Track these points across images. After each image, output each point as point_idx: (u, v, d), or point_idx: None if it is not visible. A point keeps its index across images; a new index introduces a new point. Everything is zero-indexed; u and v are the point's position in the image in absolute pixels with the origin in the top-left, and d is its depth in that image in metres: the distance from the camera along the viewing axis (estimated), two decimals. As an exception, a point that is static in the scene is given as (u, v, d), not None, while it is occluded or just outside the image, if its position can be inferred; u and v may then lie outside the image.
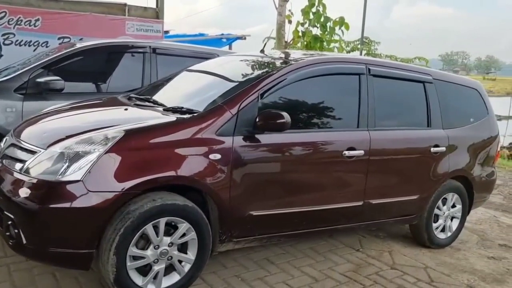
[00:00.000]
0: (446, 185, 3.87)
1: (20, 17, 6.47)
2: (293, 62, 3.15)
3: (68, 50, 4.33)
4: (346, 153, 3.14)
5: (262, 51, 3.69)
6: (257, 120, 2.73)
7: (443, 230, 4.02)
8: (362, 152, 3.22)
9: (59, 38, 6.82)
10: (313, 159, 3.07)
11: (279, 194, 2.94)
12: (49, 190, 2.31)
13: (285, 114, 2.70)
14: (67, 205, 2.28)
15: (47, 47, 6.61)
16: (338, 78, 3.34)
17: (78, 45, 4.49)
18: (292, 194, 3.01)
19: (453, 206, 4.05)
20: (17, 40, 6.51)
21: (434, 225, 3.93)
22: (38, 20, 6.61)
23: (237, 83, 3.13)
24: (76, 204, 2.28)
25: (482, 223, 5.03)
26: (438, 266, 3.59)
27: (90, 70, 4.54)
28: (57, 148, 2.40)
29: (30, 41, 6.58)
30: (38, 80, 3.98)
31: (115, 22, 7.39)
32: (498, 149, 4.48)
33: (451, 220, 4.09)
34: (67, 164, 2.32)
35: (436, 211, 3.90)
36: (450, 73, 4.77)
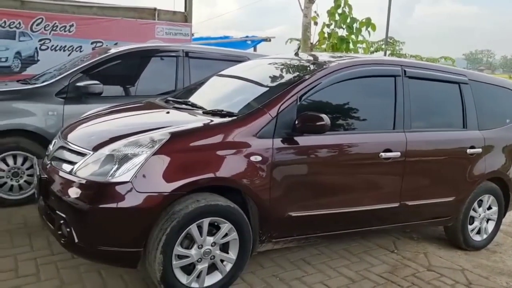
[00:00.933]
0: (482, 186, 3.84)
1: (55, 23, 6.68)
2: (328, 65, 3.18)
3: (105, 55, 4.45)
4: (383, 154, 3.16)
5: (296, 54, 3.74)
6: (296, 122, 2.78)
7: (478, 232, 3.98)
8: (398, 153, 3.22)
9: (92, 43, 7.01)
10: (350, 160, 3.09)
11: (317, 195, 2.98)
12: (100, 190, 2.41)
13: (324, 116, 2.74)
14: (116, 205, 2.37)
15: (81, 51, 6.81)
16: (374, 80, 3.35)
17: (114, 50, 4.61)
18: (329, 195, 3.04)
19: (489, 208, 4.01)
20: (52, 45, 6.71)
21: (470, 227, 3.89)
22: (72, 25, 6.82)
23: (273, 86, 3.19)
24: (125, 204, 2.37)
25: (516, 226, 4.94)
26: (475, 268, 3.56)
27: (125, 74, 4.67)
28: (106, 151, 2.50)
29: (65, 46, 6.78)
30: (78, 84, 4.11)
31: (146, 26, 7.55)
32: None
33: (487, 222, 4.04)
34: (116, 165, 2.41)
35: (471, 213, 3.86)
36: (484, 73, 4.71)
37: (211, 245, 2.60)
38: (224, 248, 2.69)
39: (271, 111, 2.79)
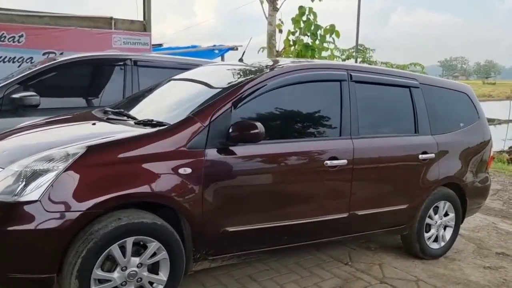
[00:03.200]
0: (437, 193, 3.73)
1: (3, 33, 6.40)
2: (268, 70, 3.04)
3: (45, 64, 4.23)
4: (328, 162, 3.01)
5: (240, 60, 3.59)
6: (230, 131, 2.61)
7: (436, 240, 3.86)
8: (345, 161, 3.08)
9: (44, 54, 6.74)
10: (293, 170, 2.93)
11: (256, 208, 2.80)
12: (5, 211, 2.18)
13: (258, 124, 2.57)
14: (24, 227, 2.15)
15: (31, 63, 6.54)
16: (318, 85, 3.22)
17: (58, 59, 4.39)
18: (270, 207, 2.86)
19: (446, 214, 3.90)
20: (0, 57, 6.43)
21: (426, 235, 3.77)
22: (22, 36, 6.55)
23: (210, 94, 3.02)
24: (34, 225, 2.15)
25: (480, 231, 4.86)
26: (430, 279, 3.43)
27: (68, 85, 4.44)
28: (15, 167, 2.28)
29: (14, 57, 6.50)
30: (13, 96, 3.87)
31: (102, 36, 7.32)
32: (491, 154, 4.32)
33: (444, 229, 3.93)
34: (23, 183, 2.19)
35: (427, 220, 3.74)
36: (438, 77, 4.65)
37: (137, 266, 2.39)
38: (154, 269, 2.48)
39: (202, 120, 2.61)
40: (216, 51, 11.02)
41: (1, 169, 2.33)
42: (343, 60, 12.94)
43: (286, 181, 2.91)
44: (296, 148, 2.94)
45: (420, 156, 3.55)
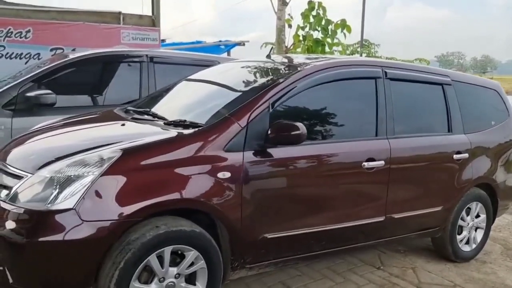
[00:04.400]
0: (469, 194, 3.60)
1: (10, 29, 6.20)
2: (303, 67, 2.88)
3: (60, 61, 4.06)
4: (366, 164, 2.87)
5: (268, 56, 3.43)
6: (269, 132, 2.46)
7: (467, 242, 3.75)
8: (382, 162, 2.94)
9: (51, 50, 6.54)
10: (331, 173, 2.79)
11: (295, 213, 2.66)
12: (37, 221, 2.03)
13: (300, 125, 2.43)
14: (58, 237, 2.00)
15: (39, 59, 6.34)
16: (352, 83, 3.07)
17: (71, 56, 4.22)
18: (309, 212, 2.73)
19: (477, 216, 3.78)
20: (7, 53, 6.22)
21: (458, 237, 3.65)
22: (29, 31, 6.35)
23: (243, 92, 2.87)
24: (69, 236, 2.00)
25: (501, 230, 4.75)
26: (467, 283, 3.31)
27: (83, 82, 4.28)
28: (46, 172, 2.12)
29: (21, 54, 6.30)
30: (28, 94, 3.70)
31: (110, 31, 7.13)
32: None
33: (475, 231, 3.81)
34: (57, 190, 2.04)
35: (460, 222, 3.62)
36: (468, 74, 4.52)
37: (175, 277, 2.25)
38: (191, 279, 2.34)
39: (240, 121, 2.46)
40: (222, 47, 10.84)
41: (30, 175, 2.17)
42: (348, 55, 12.81)
43: (325, 184, 2.77)
44: (333, 150, 2.80)
45: (455, 156, 3.42)
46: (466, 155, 3.49)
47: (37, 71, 3.95)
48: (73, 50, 5.76)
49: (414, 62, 13.21)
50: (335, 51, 8.64)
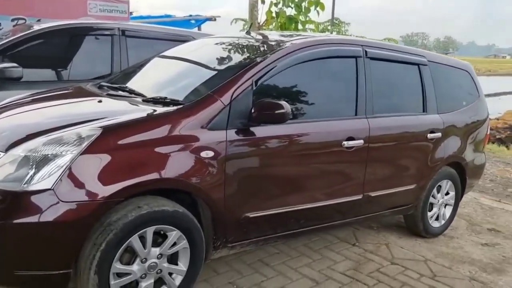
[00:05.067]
0: (441, 172, 3.71)
1: (-35, -3, 5.78)
2: (286, 45, 2.83)
3: (25, 33, 3.82)
4: (346, 143, 2.89)
5: (248, 32, 3.36)
6: (253, 111, 2.42)
7: (437, 218, 3.88)
8: (361, 142, 2.97)
9: (13, 20, 6.14)
10: (312, 152, 2.79)
11: (278, 192, 2.66)
12: (13, 202, 1.93)
13: (284, 103, 2.40)
14: (35, 219, 1.90)
15: (-1, 29, 5.97)
16: (334, 61, 3.05)
17: (36, 27, 3.98)
18: (290, 191, 2.73)
19: (447, 193, 3.91)
20: (-36, 23, 5.82)
21: (429, 214, 3.77)
22: (-12, -1, 5.94)
23: (224, 69, 2.81)
24: (47, 217, 1.91)
25: (465, 207, 4.96)
26: (437, 258, 3.45)
27: (51, 56, 4.06)
28: (20, 151, 2.01)
29: (-21, 24, 5.91)
30: (-9, 67, 3.47)
31: (76, 1, 6.76)
32: (488, 132, 4.36)
33: (445, 207, 3.95)
34: (33, 170, 1.93)
35: (431, 199, 3.74)
36: (442, 54, 4.60)
37: (157, 257, 2.21)
38: (173, 259, 2.31)
39: (223, 98, 2.40)
40: (193, 22, 10.55)
41: (2, 154, 2.05)
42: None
43: (306, 163, 2.78)
44: (315, 129, 2.79)
45: (429, 136, 3.50)
46: (439, 134, 3.58)
47: (1, 43, 3.70)
48: (38, 21, 5.44)
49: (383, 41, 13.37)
50: (308, 29, 8.60)
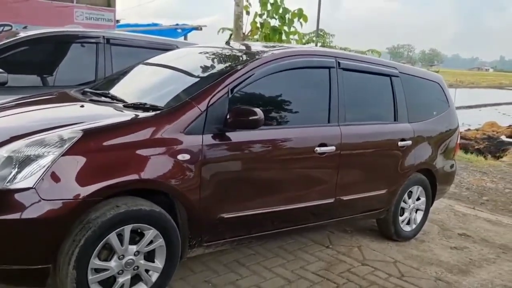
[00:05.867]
0: (412, 178, 3.89)
1: (-48, 3, 5.85)
2: (262, 55, 3.00)
3: (11, 39, 3.92)
4: (318, 149, 3.04)
5: (227, 42, 3.51)
6: (228, 117, 2.56)
7: (408, 222, 4.05)
8: (333, 148, 3.13)
9: (-1, 26, 6.25)
10: (285, 157, 2.94)
11: (251, 194, 2.80)
12: (-6, 199, 2.03)
13: (258, 110, 2.55)
14: (17, 216, 2.02)
15: (-15, 35, 6.02)
16: (307, 72, 3.23)
17: (22, 34, 4.09)
18: (264, 194, 2.87)
19: (418, 198, 4.09)
20: (-50, 29, 5.88)
21: (401, 218, 3.94)
22: (-27, 6, 6.01)
23: (203, 77, 2.95)
24: (28, 214, 2.02)
25: (440, 213, 5.14)
26: (406, 260, 3.61)
27: (37, 62, 4.16)
28: (3, 152, 2.12)
29: (-34, 29, 5.98)
30: (-23, 72, 3.57)
31: (63, 9, 6.86)
32: (458, 141, 4.56)
33: (416, 212, 4.12)
34: (16, 169, 2.05)
35: (402, 204, 3.91)
36: (414, 67, 4.81)
37: (134, 255, 2.33)
38: (150, 256, 2.43)
39: (200, 105, 2.55)
40: (179, 31, 10.71)
41: (-14, 154, 2.15)
42: (304, 44, 13.04)
43: (279, 167, 2.92)
44: (288, 135, 2.95)
45: (399, 143, 3.68)
46: (409, 142, 3.76)
47: (-15, 49, 3.80)
48: (25, 27, 5.54)
49: (366, 53, 13.67)
50: (292, 39, 8.81)
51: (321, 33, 15.06)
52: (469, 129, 14.69)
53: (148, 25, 10.60)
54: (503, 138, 12.49)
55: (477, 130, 14.34)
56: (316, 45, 13.94)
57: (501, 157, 10.57)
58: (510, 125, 15.32)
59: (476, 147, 11.90)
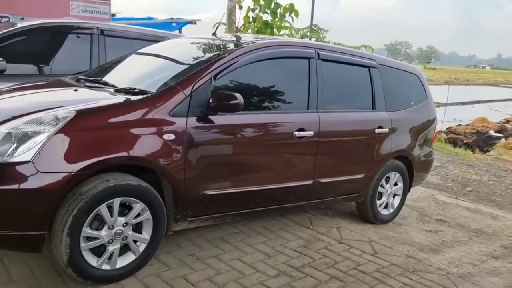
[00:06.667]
0: (389, 164, 4.11)
1: (-48, -6, 6.01)
2: (244, 45, 3.21)
3: (9, 29, 4.11)
4: (297, 133, 3.26)
5: (214, 34, 3.72)
6: (211, 101, 2.78)
7: (386, 206, 4.28)
8: (311, 133, 3.35)
9: (-4, 18, 6.40)
10: (265, 139, 3.16)
11: (232, 173, 3.01)
12: (-3, 171, 2.24)
13: (238, 95, 2.76)
14: (16, 186, 2.23)
15: (-17, 26, 6.19)
16: (288, 61, 3.44)
17: (20, 25, 4.28)
18: (244, 173, 3.09)
19: (395, 184, 4.31)
20: (-52, 20, 6.04)
21: (378, 202, 4.16)
22: (-27, -3, 6.19)
23: (189, 65, 3.16)
24: (26, 185, 2.24)
25: (421, 201, 5.37)
26: (381, 240, 3.84)
27: (34, 51, 4.35)
28: (3, 129, 2.33)
29: (-35, 20, 6.13)
30: (-24, 60, 3.76)
31: (59, 2, 7.04)
32: (436, 131, 4.79)
33: (393, 197, 4.35)
34: (15, 144, 2.26)
35: (380, 189, 4.13)
36: (392, 59, 5.02)
37: (123, 226, 2.55)
38: (137, 228, 2.65)
39: (185, 90, 2.76)
40: (174, 24, 10.89)
41: (-13, 131, 2.36)
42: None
43: (259, 149, 3.14)
44: (268, 119, 3.17)
45: (376, 131, 3.90)
46: (386, 130, 3.98)
47: (-15, 38, 3.99)
48: (22, 19, 5.70)
49: (360, 48, 13.87)
50: (284, 34, 9.01)
51: (315, 28, 15.27)
52: (460, 125, 14.96)
53: (143, 18, 10.78)
54: (492, 133, 12.74)
55: (467, 125, 14.60)
56: (310, 40, 14.15)
57: (488, 151, 10.83)
58: (499, 121, 15.60)
59: (465, 141, 12.16)
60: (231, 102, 2.76)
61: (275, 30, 8.49)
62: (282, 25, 8.57)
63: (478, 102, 27.54)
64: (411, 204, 5.07)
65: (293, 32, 9.52)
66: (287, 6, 8.38)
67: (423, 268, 3.38)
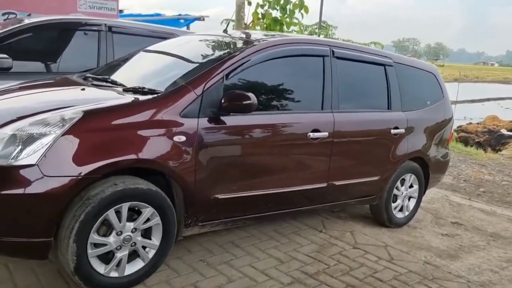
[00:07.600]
0: (404, 166, 3.98)
1: (-41, -10, 5.95)
2: (257, 43, 3.09)
3: (16, 26, 4.03)
4: (311, 135, 3.14)
5: (225, 31, 3.60)
6: (223, 101, 2.66)
7: (401, 209, 4.15)
8: (326, 134, 3.23)
9: (3, 14, 6.33)
10: (279, 141, 3.04)
11: (244, 176, 2.90)
12: (1, 175, 2.15)
13: (251, 95, 2.65)
14: (21, 191, 2.13)
15: (-10, 23, 6.13)
16: (302, 59, 3.32)
17: (27, 21, 4.19)
18: (257, 176, 2.98)
19: (411, 186, 4.18)
20: (-45, 16, 5.99)
21: (393, 205, 4.04)
22: (-21, -6, 6.12)
23: (200, 63, 3.04)
24: (31, 190, 2.14)
25: (435, 203, 5.23)
26: (397, 244, 3.71)
27: (40, 48, 4.26)
28: (8, 130, 2.23)
29: (-29, 17, 6.08)
30: (-18, 58, 3.67)
31: (66, -2, 6.97)
32: (452, 131, 4.64)
33: (409, 200, 4.22)
34: (20, 147, 2.16)
35: (395, 191, 4.00)
36: (408, 57, 4.88)
37: (132, 231, 2.45)
38: (147, 234, 2.55)
39: (196, 89, 2.65)
40: (182, 21, 10.77)
41: (-9, 133, 2.26)
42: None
43: (273, 151, 3.02)
44: (282, 120, 3.05)
45: (392, 131, 3.77)
46: (402, 130, 3.85)
47: (-8, 35, 3.90)
48: (29, 15, 5.64)
49: (369, 45, 13.70)
50: (293, 30, 8.87)
51: (324, 25, 15.12)
52: (470, 123, 14.74)
53: (151, 15, 10.68)
54: (504, 131, 12.52)
55: (478, 124, 14.38)
56: (319, 36, 14.00)
57: (501, 151, 10.63)
58: (511, 120, 15.34)
59: (477, 140, 11.97)
60: (244, 102, 2.64)
61: (284, 27, 8.37)
62: (292, 21, 8.44)
63: (488, 99, 27.22)
64: (424, 206, 4.93)
65: (302, 28, 9.37)
66: (297, 2, 8.24)
67: (442, 275, 3.25)
